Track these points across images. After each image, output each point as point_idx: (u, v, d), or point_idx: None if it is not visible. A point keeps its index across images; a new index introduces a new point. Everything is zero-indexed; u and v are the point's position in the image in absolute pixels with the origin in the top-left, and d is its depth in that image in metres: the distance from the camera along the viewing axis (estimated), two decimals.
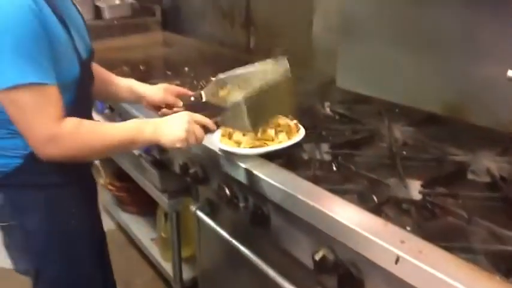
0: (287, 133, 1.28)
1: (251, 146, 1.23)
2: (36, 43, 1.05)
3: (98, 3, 3.17)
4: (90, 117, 1.34)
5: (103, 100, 1.77)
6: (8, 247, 1.36)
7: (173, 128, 1.16)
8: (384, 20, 1.70)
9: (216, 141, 1.28)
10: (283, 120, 1.31)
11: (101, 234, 1.52)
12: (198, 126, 1.18)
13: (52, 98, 1.09)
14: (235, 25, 2.67)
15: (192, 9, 3.09)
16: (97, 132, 1.17)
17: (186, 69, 2.55)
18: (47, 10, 1.09)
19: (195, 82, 2.25)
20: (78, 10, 1.32)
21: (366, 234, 0.88)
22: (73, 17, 1.24)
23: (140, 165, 1.83)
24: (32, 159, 1.19)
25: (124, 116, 1.97)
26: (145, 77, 2.47)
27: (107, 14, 3.14)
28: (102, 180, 1.54)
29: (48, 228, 1.29)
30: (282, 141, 1.25)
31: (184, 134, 1.15)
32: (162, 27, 3.27)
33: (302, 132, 1.31)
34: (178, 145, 1.16)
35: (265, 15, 2.44)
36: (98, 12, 3.15)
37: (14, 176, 1.23)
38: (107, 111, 2.19)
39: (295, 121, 1.33)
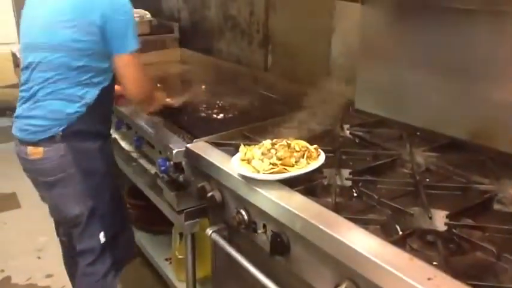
0: (307, 158, 1.25)
1: (270, 171, 1.21)
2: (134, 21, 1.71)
3: None
4: None
5: None
6: (62, 196, 1.70)
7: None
8: (404, 42, 1.67)
9: (235, 166, 1.26)
10: (303, 145, 1.29)
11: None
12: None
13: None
14: (253, 44, 2.68)
15: (209, 27, 3.11)
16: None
17: (203, 87, 2.55)
18: None
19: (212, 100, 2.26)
20: None
21: (392, 269, 0.85)
22: None
23: (156, 185, 1.82)
24: (91, 110, 1.65)
25: (140, 134, 1.97)
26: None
27: None
28: None
29: (103, 170, 1.73)
30: (302, 167, 1.23)
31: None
32: (179, 44, 3.29)
33: (322, 157, 1.28)
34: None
35: (284, 35, 2.44)
36: None
37: (75, 126, 1.64)
38: (123, 128, 2.19)
39: (315, 146, 1.31)
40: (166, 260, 2.21)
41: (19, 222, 2.91)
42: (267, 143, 1.30)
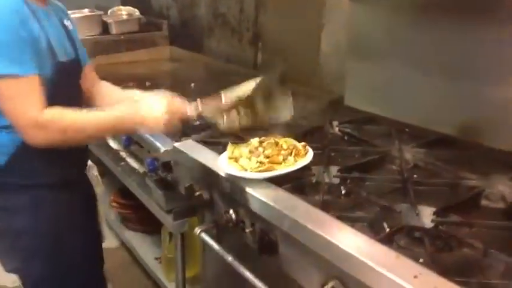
0: (295, 156, 1.25)
1: (258, 169, 1.20)
2: (17, 39, 1.19)
3: (105, 19, 3.18)
4: None
5: None
6: None
7: (155, 125, 1.29)
8: (394, 39, 1.67)
9: (223, 165, 1.25)
10: (290, 142, 1.29)
11: (96, 247, 1.58)
12: (176, 118, 1.32)
13: (34, 88, 1.21)
14: (242, 41, 2.66)
15: (199, 25, 3.09)
16: (79, 120, 1.26)
17: (192, 85, 2.54)
18: (26, 10, 1.24)
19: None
20: (64, 25, 1.42)
21: (378, 268, 0.85)
22: (51, 23, 1.35)
23: (145, 184, 1.81)
24: (17, 157, 1.29)
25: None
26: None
27: (114, 29, 3.14)
28: (99, 189, 1.54)
29: (35, 229, 1.34)
30: (289, 165, 1.22)
31: (163, 129, 1.31)
32: (169, 42, 3.27)
33: (310, 154, 1.27)
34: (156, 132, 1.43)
35: (273, 32, 2.43)
36: (105, 27, 3.15)
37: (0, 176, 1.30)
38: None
39: (303, 143, 1.30)
40: (156, 259, 2.19)
41: None
42: (254, 141, 1.29)
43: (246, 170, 1.20)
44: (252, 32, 2.57)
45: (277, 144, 1.27)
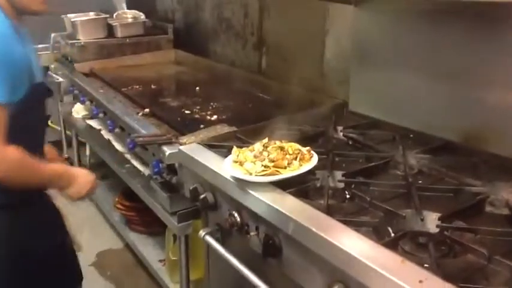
0: (300, 160, 1.25)
1: (263, 173, 1.20)
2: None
3: (110, 22, 3.20)
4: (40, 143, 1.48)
5: None
6: None
7: (80, 188, 1.43)
8: (398, 45, 1.68)
9: (228, 168, 1.26)
10: (295, 147, 1.29)
11: (64, 265, 1.55)
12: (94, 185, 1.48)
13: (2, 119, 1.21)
14: (247, 46, 2.68)
15: (204, 29, 3.10)
16: (31, 168, 1.29)
17: (197, 88, 2.55)
18: (11, 32, 1.27)
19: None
20: None
21: (383, 272, 0.85)
22: (29, 43, 1.38)
23: (150, 187, 1.82)
24: None
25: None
26: (157, 95, 2.49)
27: (119, 33, 3.16)
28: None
29: None
30: (294, 169, 1.22)
31: (86, 192, 1.46)
32: (173, 45, 3.29)
33: (315, 159, 1.28)
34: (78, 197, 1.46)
35: (278, 37, 2.44)
36: (110, 30, 3.17)
37: None
38: (117, 130, 2.18)
39: (307, 148, 1.31)
40: (160, 261, 2.20)
41: None
42: (258, 145, 1.30)
43: (250, 173, 1.21)
44: (256, 37, 2.58)
45: (282, 148, 1.28)
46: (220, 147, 1.52)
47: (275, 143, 1.30)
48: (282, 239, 1.14)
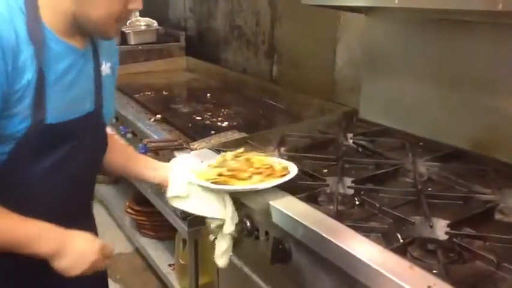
0: (267, 175, 1.18)
1: (213, 180, 1.17)
2: None
3: (124, 29, 3.25)
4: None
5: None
6: None
7: (79, 260, 1.01)
8: (408, 52, 1.69)
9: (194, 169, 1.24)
10: (265, 162, 1.24)
11: None
12: (102, 257, 1.05)
13: None
14: (258, 54, 2.70)
15: (216, 37, 3.14)
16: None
17: (208, 95, 2.58)
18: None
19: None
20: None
21: (392, 277, 0.86)
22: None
23: (161, 192, 1.84)
24: None
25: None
26: (169, 101, 2.52)
27: (132, 40, 3.21)
28: None
29: None
30: (250, 183, 1.16)
31: (88, 267, 1.02)
32: (185, 53, 3.33)
33: (286, 178, 1.18)
34: (72, 274, 1.01)
35: (289, 45, 2.46)
36: (124, 37, 3.22)
37: None
38: (129, 135, 2.22)
39: (286, 165, 1.24)
40: (170, 266, 2.22)
41: None
42: (229, 153, 1.28)
43: (203, 179, 1.18)
44: (267, 45, 2.61)
45: (248, 160, 1.23)
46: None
47: (248, 154, 1.26)
48: (291, 244, 1.15)
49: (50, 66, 0.98)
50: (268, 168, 1.20)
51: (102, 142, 1.21)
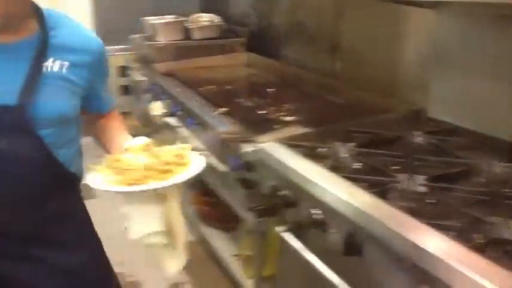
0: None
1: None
2: None
3: (187, 25, 3.35)
4: None
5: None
6: None
7: None
8: (479, 50, 1.65)
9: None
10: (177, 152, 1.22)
11: None
12: None
13: None
14: (320, 49, 2.71)
15: (276, 32, 3.17)
16: None
17: (270, 90, 2.62)
18: None
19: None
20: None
21: (473, 275, 0.86)
22: None
23: (227, 182, 1.90)
24: None
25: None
26: (231, 95, 2.58)
27: (195, 35, 3.30)
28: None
29: None
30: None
31: None
32: (246, 48, 3.38)
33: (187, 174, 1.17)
34: None
35: (353, 41, 2.45)
36: (187, 33, 3.32)
37: None
38: (194, 126, 2.29)
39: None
40: (234, 256, 2.27)
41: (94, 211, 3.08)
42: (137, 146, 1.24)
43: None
44: (330, 41, 2.61)
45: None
46: (300, 146, 1.57)
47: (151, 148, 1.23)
48: (363, 237, 1.17)
49: None
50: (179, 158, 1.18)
51: (31, 152, 1.13)
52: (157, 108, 2.95)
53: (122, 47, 3.81)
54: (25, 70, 1.12)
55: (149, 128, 3.38)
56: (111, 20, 4.02)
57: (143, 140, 1.28)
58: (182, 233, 1.26)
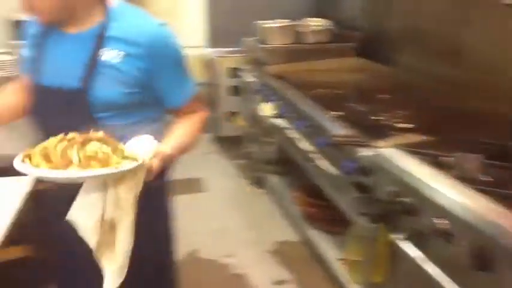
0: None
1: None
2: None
3: (298, 29, 3.40)
4: None
5: None
6: None
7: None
8: None
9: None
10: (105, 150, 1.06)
11: None
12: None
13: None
14: (439, 55, 2.60)
15: (390, 38, 3.10)
16: None
17: (382, 96, 2.56)
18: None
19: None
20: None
21: None
22: (59, 49, 1.29)
23: (340, 185, 1.89)
24: None
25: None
26: (342, 99, 2.57)
27: (307, 39, 3.34)
28: None
29: None
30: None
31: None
32: (357, 53, 3.35)
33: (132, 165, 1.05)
34: None
35: (477, 46, 2.32)
36: (298, 36, 3.38)
37: None
38: (304, 128, 2.31)
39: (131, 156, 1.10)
40: (339, 260, 2.26)
41: (205, 204, 3.27)
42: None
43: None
44: (451, 46, 2.49)
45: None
46: (421, 154, 1.52)
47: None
48: (496, 251, 1.11)
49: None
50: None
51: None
52: (267, 109, 3.04)
53: (233, 49, 3.98)
54: (86, 58, 1.25)
55: (256, 128, 3.49)
56: (224, 23, 4.21)
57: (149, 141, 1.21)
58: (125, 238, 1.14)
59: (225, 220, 3.03)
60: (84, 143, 1.04)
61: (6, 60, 2.89)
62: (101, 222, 1.11)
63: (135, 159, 1.08)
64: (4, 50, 3.02)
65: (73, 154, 1.02)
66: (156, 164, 1.16)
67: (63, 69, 1.27)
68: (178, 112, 1.39)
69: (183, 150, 1.32)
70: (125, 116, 1.29)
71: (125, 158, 1.08)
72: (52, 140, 1.05)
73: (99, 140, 1.07)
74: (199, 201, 3.25)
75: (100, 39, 1.25)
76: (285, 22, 3.48)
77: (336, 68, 3.24)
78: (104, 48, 1.24)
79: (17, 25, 3.19)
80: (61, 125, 1.12)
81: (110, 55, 1.24)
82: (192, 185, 3.45)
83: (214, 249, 2.69)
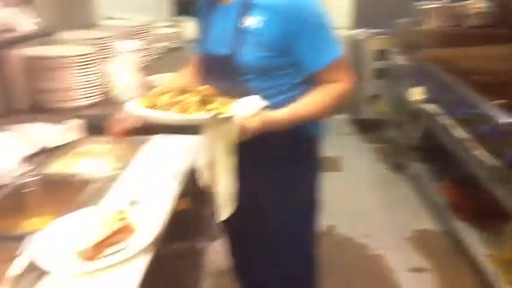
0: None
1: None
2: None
3: (458, 11, 3.19)
4: None
5: None
6: None
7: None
8: None
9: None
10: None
11: None
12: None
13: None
14: None
15: None
16: None
17: None
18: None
19: None
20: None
21: None
22: (215, 19, 1.43)
23: (501, 178, 1.78)
24: None
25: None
26: (506, 87, 2.37)
27: (467, 22, 3.13)
28: None
29: None
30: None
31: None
32: None
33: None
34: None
35: None
36: (458, 19, 3.17)
37: None
38: (460, 115, 2.18)
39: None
40: (488, 256, 2.13)
41: (340, 184, 3.25)
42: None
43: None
44: None
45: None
46: None
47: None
48: None
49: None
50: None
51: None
52: (417, 93, 2.93)
53: (381, 30, 3.86)
54: (233, 26, 1.35)
55: (400, 112, 3.38)
56: (374, 4, 4.11)
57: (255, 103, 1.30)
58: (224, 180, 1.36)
59: (360, 201, 3.02)
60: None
61: (171, 33, 3.18)
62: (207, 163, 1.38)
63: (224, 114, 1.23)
64: (169, 24, 3.33)
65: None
66: (253, 124, 1.22)
67: (217, 38, 1.41)
68: (318, 79, 1.37)
69: (301, 117, 1.34)
70: (266, 80, 1.36)
71: (213, 110, 1.25)
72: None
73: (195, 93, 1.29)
74: (335, 180, 3.26)
75: (244, 7, 1.34)
76: (444, 3, 3.29)
77: (498, 55, 2.98)
78: (247, 16, 1.33)
79: (179, 3, 3.79)
80: (217, 88, 1.31)
81: (251, 21, 1.32)
82: (331, 164, 3.49)
83: (352, 228, 2.70)
